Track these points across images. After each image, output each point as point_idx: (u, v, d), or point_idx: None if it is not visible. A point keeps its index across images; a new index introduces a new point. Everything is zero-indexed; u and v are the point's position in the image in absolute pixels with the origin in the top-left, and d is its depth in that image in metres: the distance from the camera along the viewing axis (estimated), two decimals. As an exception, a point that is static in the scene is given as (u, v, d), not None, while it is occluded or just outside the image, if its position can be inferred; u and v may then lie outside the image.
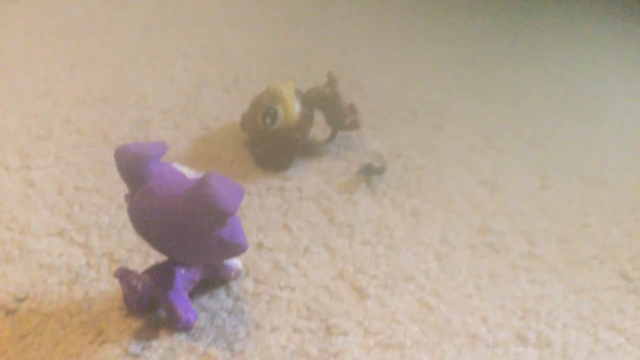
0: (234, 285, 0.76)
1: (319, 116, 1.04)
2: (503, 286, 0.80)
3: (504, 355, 0.70)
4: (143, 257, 0.78)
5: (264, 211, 0.90)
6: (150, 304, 0.70)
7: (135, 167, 0.63)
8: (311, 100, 1.01)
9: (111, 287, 0.74)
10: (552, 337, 0.73)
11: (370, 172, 0.99)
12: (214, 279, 0.75)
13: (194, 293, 0.73)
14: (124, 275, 0.65)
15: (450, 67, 1.40)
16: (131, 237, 0.81)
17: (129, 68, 1.23)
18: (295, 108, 0.98)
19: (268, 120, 0.97)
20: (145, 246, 0.80)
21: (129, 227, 0.83)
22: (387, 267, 0.82)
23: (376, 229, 0.88)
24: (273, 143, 0.98)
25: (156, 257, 0.78)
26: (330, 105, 1.01)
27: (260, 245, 0.83)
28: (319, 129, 1.08)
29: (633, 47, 1.61)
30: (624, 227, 0.94)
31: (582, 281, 0.83)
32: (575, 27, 1.70)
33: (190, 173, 0.65)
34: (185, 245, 0.64)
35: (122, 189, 0.88)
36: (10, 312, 0.69)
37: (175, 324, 0.68)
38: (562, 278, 0.83)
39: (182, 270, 0.69)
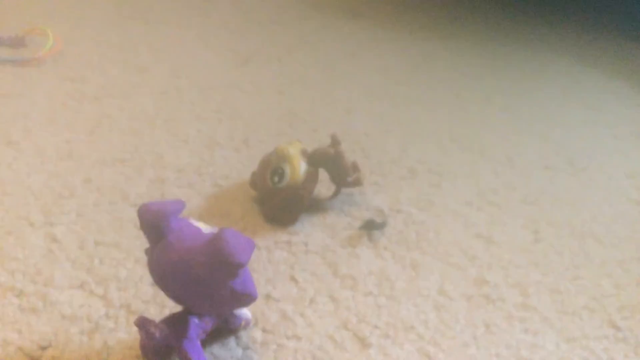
0: (243, 334, 0.79)
1: (323, 174, 1.08)
2: (498, 335, 0.83)
3: None
4: (159, 308, 0.81)
5: (272, 264, 0.93)
6: (166, 352, 0.73)
7: (156, 222, 0.67)
8: (316, 160, 1.05)
9: (128, 336, 0.77)
10: (546, 384, 0.75)
11: (372, 227, 1.02)
12: (224, 329, 0.78)
13: (206, 342, 0.76)
14: (143, 323, 0.69)
15: (447, 127, 1.45)
16: (147, 289, 0.85)
17: (146, 130, 1.29)
18: (302, 167, 1.02)
19: (276, 179, 1.01)
20: (160, 298, 0.83)
21: (146, 279, 0.86)
22: (388, 317, 0.84)
23: (378, 280, 0.91)
24: (280, 200, 1.02)
25: (171, 308, 0.81)
26: (334, 164, 1.06)
27: (268, 297, 0.86)
28: (324, 187, 1.12)
29: (621, 105, 1.66)
30: (612, 279, 0.97)
31: (573, 330, 0.86)
32: (565, 88, 1.76)
33: (206, 228, 0.70)
34: (200, 295, 0.68)
35: (140, 244, 0.94)
36: (34, 360, 0.72)
37: (189, 371, 0.70)
38: (554, 327, 0.86)
39: (196, 320, 0.72)
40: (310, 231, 1.02)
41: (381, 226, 1.03)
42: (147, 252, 0.71)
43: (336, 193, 1.10)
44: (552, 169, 1.31)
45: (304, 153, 1.06)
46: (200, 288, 0.67)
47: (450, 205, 1.13)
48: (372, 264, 0.95)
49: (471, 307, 0.88)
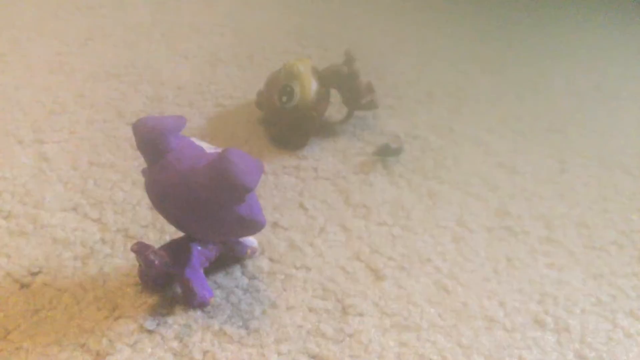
0: (249, 263, 0.76)
1: (335, 95, 1.03)
2: (521, 270, 0.80)
3: (521, 340, 0.70)
4: (158, 233, 0.78)
5: (279, 190, 0.89)
6: (166, 280, 0.70)
7: (154, 140, 0.62)
8: (328, 79, 1.00)
9: (126, 262, 0.73)
10: (570, 322, 0.73)
11: (386, 153, 0.98)
12: (229, 257, 0.75)
13: (209, 270, 0.73)
14: (141, 249, 0.65)
15: (468, 45, 1.38)
16: (146, 213, 0.81)
17: (143, 44, 1.22)
18: (312, 86, 0.97)
19: (284, 98, 0.96)
20: (160, 223, 0.79)
21: (144, 203, 0.83)
22: (403, 248, 0.81)
23: (392, 210, 0.88)
24: (289, 121, 0.97)
25: (171, 234, 0.77)
26: (347, 83, 1.00)
27: (275, 225, 0.83)
28: (335, 109, 1.08)
29: (655, 31, 1.58)
30: (644, 213, 0.93)
31: (600, 267, 0.82)
32: (597, 9, 1.66)
33: (209, 147, 0.65)
34: (203, 221, 0.63)
35: (137, 165, 0.89)
36: (24, 286, 0.69)
37: (191, 300, 0.67)
38: (580, 263, 0.82)
39: (199, 247, 0.69)
40: (321, 156, 0.98)
41: (396, 152, 0.98)
42: (145, 173, 0.66)
43: (349, 116, 1.05)
44: (580, 95, 1.25)
45: (314, 71, 1.00)
46: (203, 212, 0.62)
47: (470, 131, 1.09)
48: (386, 192, 0.91)
49: (492, 240, 0.84)
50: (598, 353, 0.69)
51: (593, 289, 0.78)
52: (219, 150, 0.64)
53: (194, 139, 0.66)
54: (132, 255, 0.73)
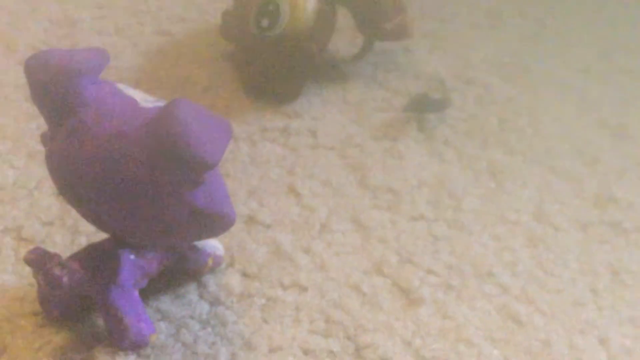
0: (211, 280, 0.76)
1: (344, 16, 1.03)
2: (633, 288, 0.80)
3: None
4: (69, 234, 0.78)
5: (258, 166, 0.90)
6: (81, 306, 0.70)
7: (59, 87, 0.61)
8: None
9: (19, 280, 0.73)
10: None
11: (424, 108, 0.99)
12: (180, 271, 0.75)
13: (149, 292, 0.72)
14: (40, 261, 0.64)
15: None
16: (50, 203, 0.81)
17: None
18: (309, 3, 0.97)
19: (265, 22, 0.97)
20: (73, 217, 0.79)
21: (47, 187, 0.83)
22: (450, 256, 0.81)
23: (434, 196, 0.88)
24: (273, 58, 0.98)
25: (89, 235, 0.78)
26: None
27: (251, 220, 0.83)
28: (345, 38, 1.08)
29: None
30: None
31: None
32: None
33: (146, 99, 0.64)
34: (136, 214, 0.63)
35: (36, 126, 0.90)
36: None
37: (120, 338, 0.67)
38: None
39: (132, 256, 0.68)
40: (323, 112, 0.98)
41: (440, 106, 0.99)
42: (45, 139, 0.65)
43: (366, 49, 1.06)
44: None
45: None
46: (134, 202, 0.62)
47: (556, 72, 1.10)
48: (424, 168, 0.92)
49: (589, 242, 0.85)
50: None
51: None
52: (162, 103, 0.63)
53: (121, 86, 0.66)
54: (28, 269, 0.73)
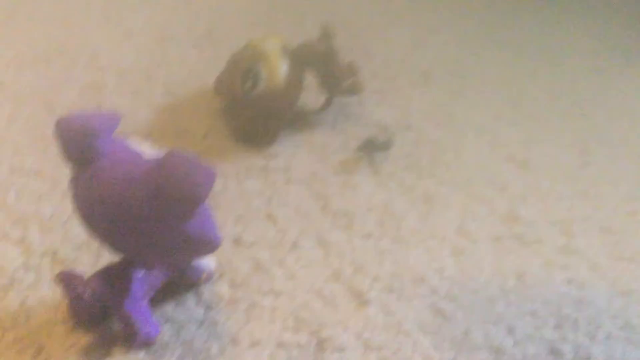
0: (205, 290, 0.75)
1: (311, 78, 1.03)
2: (534, 288, 0.80)
3: None
4: (93, 257, 0.77)
5: (242, 198, 0.89)
6: (102, 314, 0.69)
7: (80, 143, 0.62)
8: (301, 59, 1.00)
9: (54, 294, 0.72)
10: (593, 351, 0.72)
11: (373, 148, 0.99)
12: (180, 283, 0.74)
13: (155, 301, 0.72)
14: (67, 280, 0.64)
15: (472, 15, 1.39)
16: (79, 232, 0.80)
17: (77, 19, 1.23)
18: (282, 68, 0.97)
19: (249, 85, 0.96)
20: (96, 243, 0.78)
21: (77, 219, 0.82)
22: (393, 266, 0.81)
23: (380, 218, 0.88)
24: (255, 112, 0.98)
25: (109, 257, 0.76)
26: (324, 64, 1.01)
27: (237, 241, 0.82)
28: (311, 95, 1.07)
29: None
30: (682, 215, 0.93)
31: (629, 281, 0.82)
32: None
33: (150, 152, 0.64)
34: (142, 242, 0.63)
35: (69, 171, 0.89)
36: None
37: (133, 339, 0.67)
38: (606, 278, 0.82)
39: (141, 273, 0.68)
40: (294, 154, 0.98)
41: (385, 147, 0.99)
42: (71, 183, 0.65)
43: (327, 103, 1.06)
44: (605, 70, 1.26)
45: (285, 50, 1.00)
46: (141, 233, 0.62)
47: (474, 118, 1.09)
48: (373, 196, 0.92)
49: (499, 252, 0.85)
50: (626, 388, 0.70)
51: (620, 309, 0.78)
52: (161, 154, 0.63)
53: (134, 141, 0.66)
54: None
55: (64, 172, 0.87)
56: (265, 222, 0.85)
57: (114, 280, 0.67)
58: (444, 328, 0.73)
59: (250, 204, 0.88)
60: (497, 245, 0.86)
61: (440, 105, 1.12)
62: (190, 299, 0.74)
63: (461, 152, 1.01)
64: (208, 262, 0.76)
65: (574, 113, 1.13)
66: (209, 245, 0.65)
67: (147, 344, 0.67)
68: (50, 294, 0.72)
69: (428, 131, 1.05)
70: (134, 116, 1.01)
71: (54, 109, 1.01)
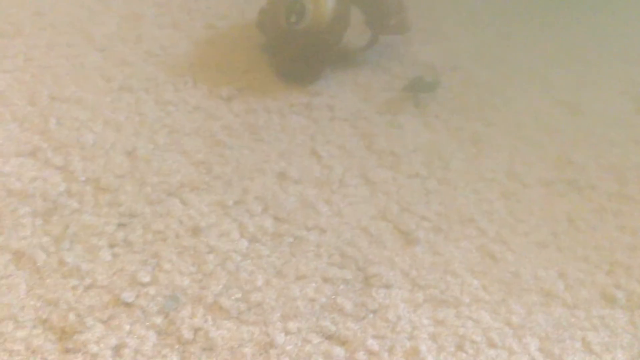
0: (250, 223, 0.74)
1: (356, 15, 1.01)
2: (586, 233, 0.79)
3: (586, 319, 0.69)
4: (137, 185, 0.77)
5: (286, 134, 0.88)
6: None
7: None
8: None
9: (97, 219, 0.72)
10: (647, 297, 0.72)
11: (419, 89, 0.97)
12: None
13: (201, 232, 0.72)
14: None
15: None
16: (122, 160, 0.80)
17: None
18: (329, 3, 0.96)
19: (293, 18, 0.95)
20: (139, 172, 0.78)
21: (119, 147, 0.82)
22: (440, 206, 0.80)
23: (427, 158, 0.87)
24: (299, 48, 0.97)
25: (153, 186, 0.76)
26: (372, 0, 1.00)
27: (282, 176, 0.82)
28: (357, 32, 1.05)
29: None
30: None
31: (685, 230, 0.81)
32: None
33: None
34: None
35: (110, 100, 0.89)
36: (-27, 248, 0.69)
37: None
38: (661, 225, 0.81)
39: None
40: (338, 91, 0.97)
41: (432, 87, 0.98)
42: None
43: (373, 41, 1.04)
44: None
45: None
46: None
47: (523, 61, 1.07)
48: (419, 136, 0.90)
49: (550, 196, 0.83)
50: (681, 336, 0.68)
51: (676, 257, 0.77)
52: None
53: None
54: (105, 209, 0.72)
55: (105, 102, 0.88)
56: (310, 159, 0.85)
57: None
58: (493, 269, 0.73)
59: (295, 140, 0.87)
60: (548, 189, 0.84)
61: (488, 46, 1.10)
62: (234, 230, 0.73)
63: (510, 95, 1.00)
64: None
65: (627, 59, 1.11)
66: None
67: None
68: (94, 220, 0.72)
69: (476, 73, 1.03)
70: (173, 49, 1.00)
71: (92, 38, 1.00)
